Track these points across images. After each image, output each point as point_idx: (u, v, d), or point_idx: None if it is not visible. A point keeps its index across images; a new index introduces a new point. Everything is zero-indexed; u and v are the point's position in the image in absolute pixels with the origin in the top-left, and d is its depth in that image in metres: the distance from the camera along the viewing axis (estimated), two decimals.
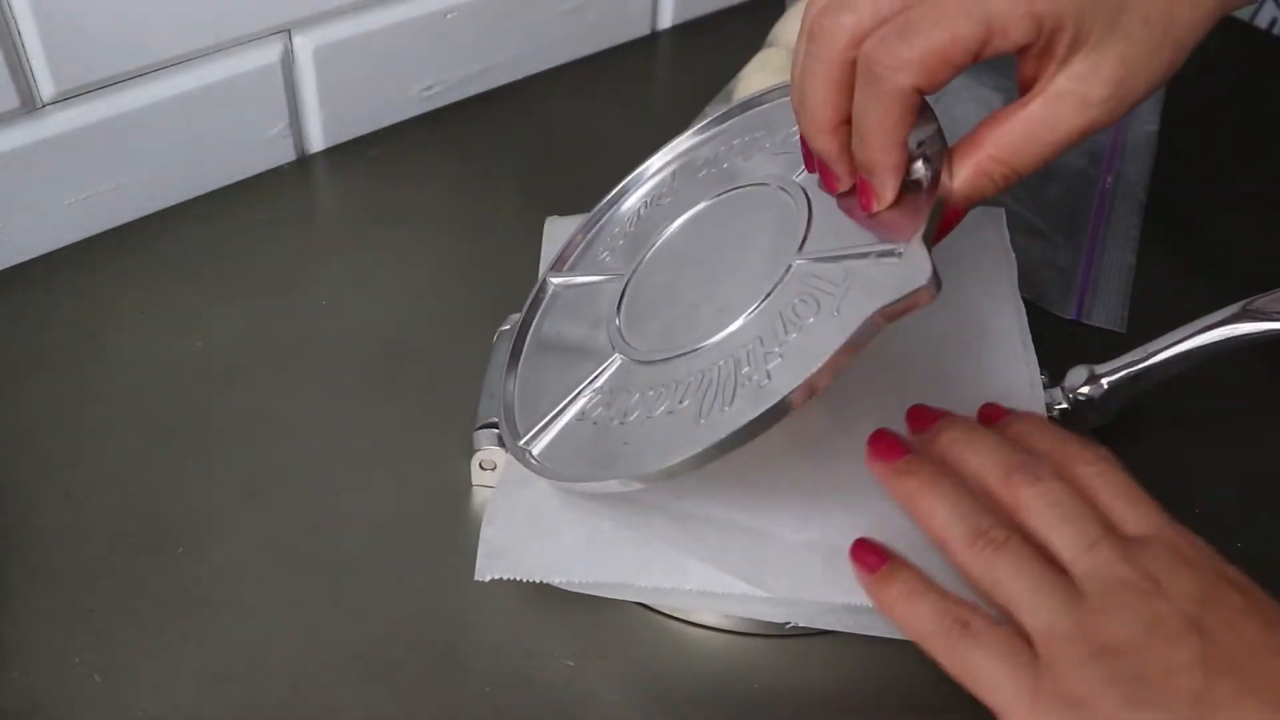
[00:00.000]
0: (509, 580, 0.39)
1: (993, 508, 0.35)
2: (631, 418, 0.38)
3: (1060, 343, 0.50)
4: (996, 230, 0.51)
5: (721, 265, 0.42)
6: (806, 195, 0.41)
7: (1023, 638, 0.33)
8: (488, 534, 0.39)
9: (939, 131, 0.36)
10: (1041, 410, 0.43)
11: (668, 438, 0.37)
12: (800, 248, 0.39)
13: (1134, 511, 0.35)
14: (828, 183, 0.38)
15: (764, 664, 0.38)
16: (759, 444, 0.35)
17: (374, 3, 0.55)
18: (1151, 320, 0.51)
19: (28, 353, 0.47)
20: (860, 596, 0.36)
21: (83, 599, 0.39)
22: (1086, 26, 0.33)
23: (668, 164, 0.48)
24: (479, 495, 0.43)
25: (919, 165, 0.36)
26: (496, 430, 0.42)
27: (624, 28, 0.66)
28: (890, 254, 0.35)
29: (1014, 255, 0.49)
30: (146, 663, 0.37)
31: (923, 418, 0.39)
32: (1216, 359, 0.41)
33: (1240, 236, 0.57)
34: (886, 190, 0.36)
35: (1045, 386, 0.43)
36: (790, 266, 0.38)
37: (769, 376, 0.35)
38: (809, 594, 0.37)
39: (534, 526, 0.39)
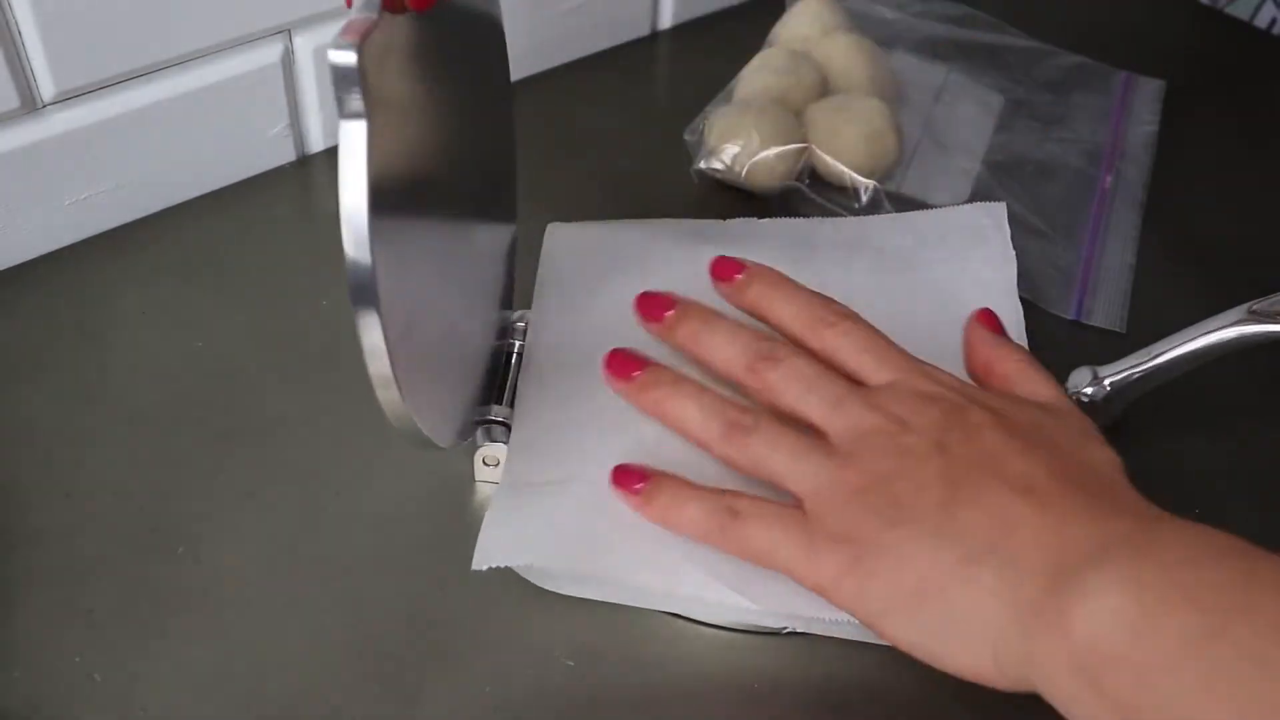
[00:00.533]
0: (509, 579, 0.39)
1: (741, 397, 0.38)
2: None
3: (1060, 343, 0.50)
4: (997, 226, 0.51)
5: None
6: None
7: (793, 505, 0.36)
8: (488, 524, 0.39)
9: None
10: None
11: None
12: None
13: (878, 363, 0.38)
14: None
15: (764, 664, 0.38)
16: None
17: None
18: (1151, 320, 0.51)
19: (28, 353, 0.47)
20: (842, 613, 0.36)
21: (83, 598, 0.39)
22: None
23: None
24: (482, 491, 0.43)
25: None
26: (501, 426, 0.42)
27: (624, 28, 0.66)
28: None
29: (1014, 253, 0.49)
30: (147, 662, 0.37)
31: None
32: (1220, 361, 0.41)
33: (1240, 236, 0.57)
34: None
35: None
36: None
37: None
38: (795, 608, 0.37)
39: (533, 520, 0.39)
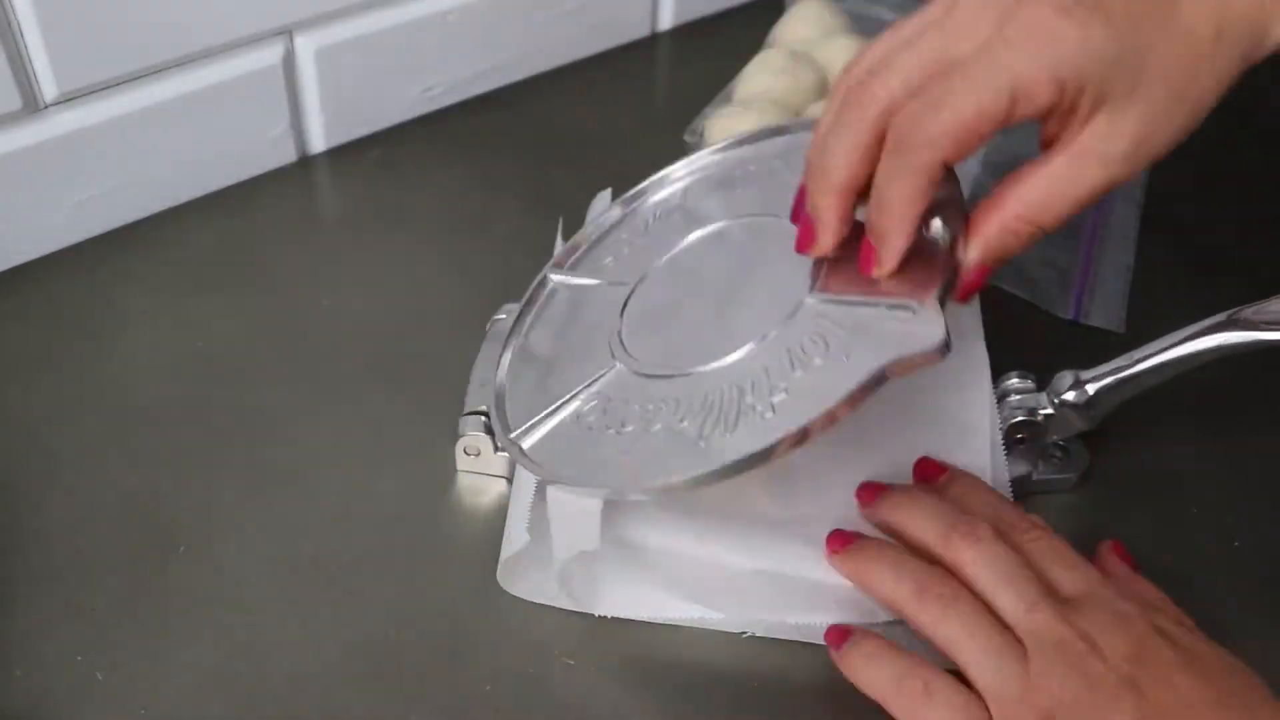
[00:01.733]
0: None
1: (936, 568, 0.37)
2: (628, 429, 0.39)
3: (1058, 343, 0.50)
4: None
5: (732, 290, 0.42)
6: None
7: (977, 697, 0.35)
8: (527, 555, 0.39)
9: (959, 193, 0.37)
10: (998, 439, 0.43)
11: (665, 456, 0.37)
12: (813, 286, 0.39)
13: (1069, 575, 0.37)
14: (804, 241, 0.38)
15: (764, 664, 0.39)
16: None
17: (375, 4, 0.55)
18: (1150, 321, 0.51)
19: (29, 353, 0.47)
20: (804, 615, 0.38)
21: (85, 598, 0.39)
22: (1108, 88, 0.33)
23: (684, 176, 0.48)
24: (464, 480, 0.43)
25: (937, 223, 0.37)
26: (483, 418, 0.42)
27: (624, 28, 0.66)
28: (904, 309, 0.36)
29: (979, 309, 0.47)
30: (148, 661, 0.37)
31: (869, 491, 0.41)
32: (1204, 366, 0.41)
33: (1239, 237, 0.57)
34: (892, 258, 0.36)
35: (1032, 390, 0.43)
36: (802, 303, 0.39)
37: (773, 410, 0.36)
38: (760, 614, 0.39)
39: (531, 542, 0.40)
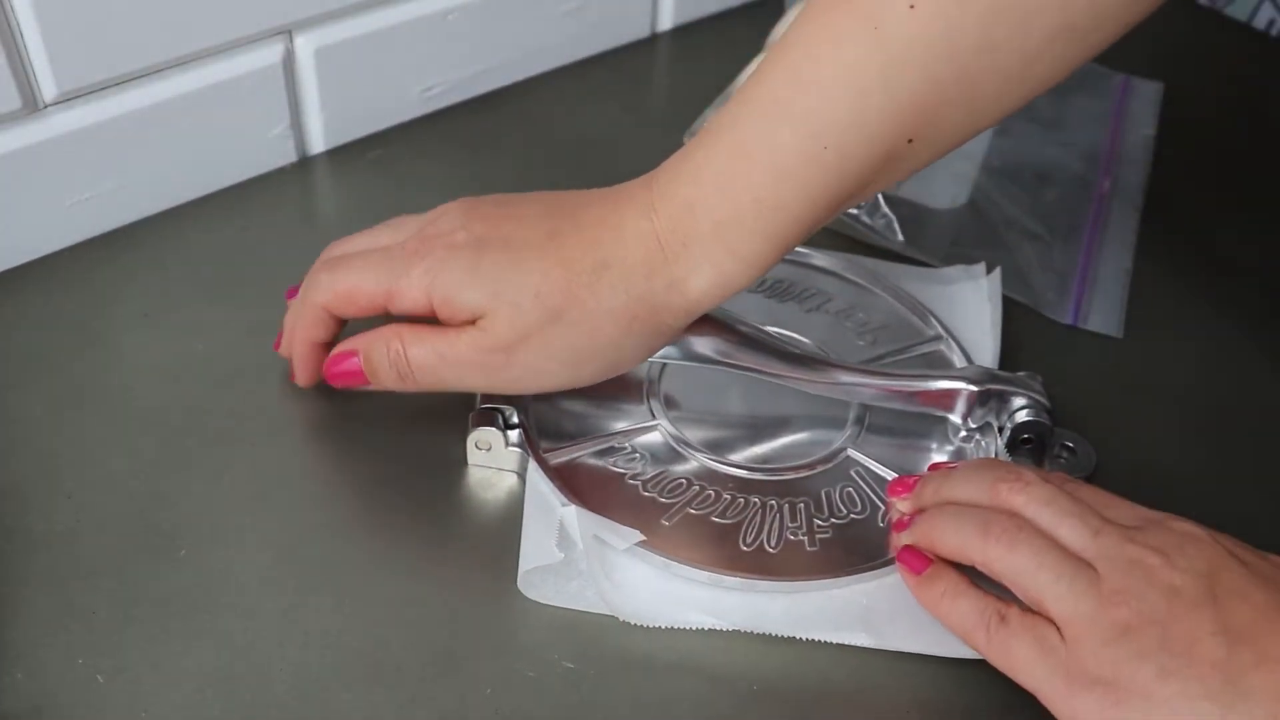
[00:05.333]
0: (508, 580, 0.40)
1: (996, 511, 0.37)
2: (669, 497, 0.42)
3: (1057, 347, 0.50)
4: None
5: (778, 397, 0.46)
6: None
7: (1052, 624, 0.35)
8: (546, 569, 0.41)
9: None
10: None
11: (705, 545, 0.41)
12: (857, 439, 0.45)
13: (1124, 510, 0.37)
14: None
15: (764, 664, 0.39)
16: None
17: (375, 4, 0.55)
18: (1149, 325, 0.51)
19: (29, 353, 0.47)
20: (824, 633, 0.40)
21: (85, 600, 0.39)
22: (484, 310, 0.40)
23: None
24: (474, 474, 0.44)
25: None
26: (496, 412, 0.43)
27: (624, 29, 0.66)
28: None
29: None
30: (149, 664, 0.37)
31: (901, 484, 0.41)
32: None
33: (1239, 240, 0.57)
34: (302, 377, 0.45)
35: (1038, 390, 0.44)
36: (845, 452, 0.44)
37: (817, 544, 0.41)
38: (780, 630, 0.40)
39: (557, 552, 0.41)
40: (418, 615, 0.39)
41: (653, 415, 0.45)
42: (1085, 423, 0.46)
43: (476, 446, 0.43)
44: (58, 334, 0.48)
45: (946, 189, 0.57)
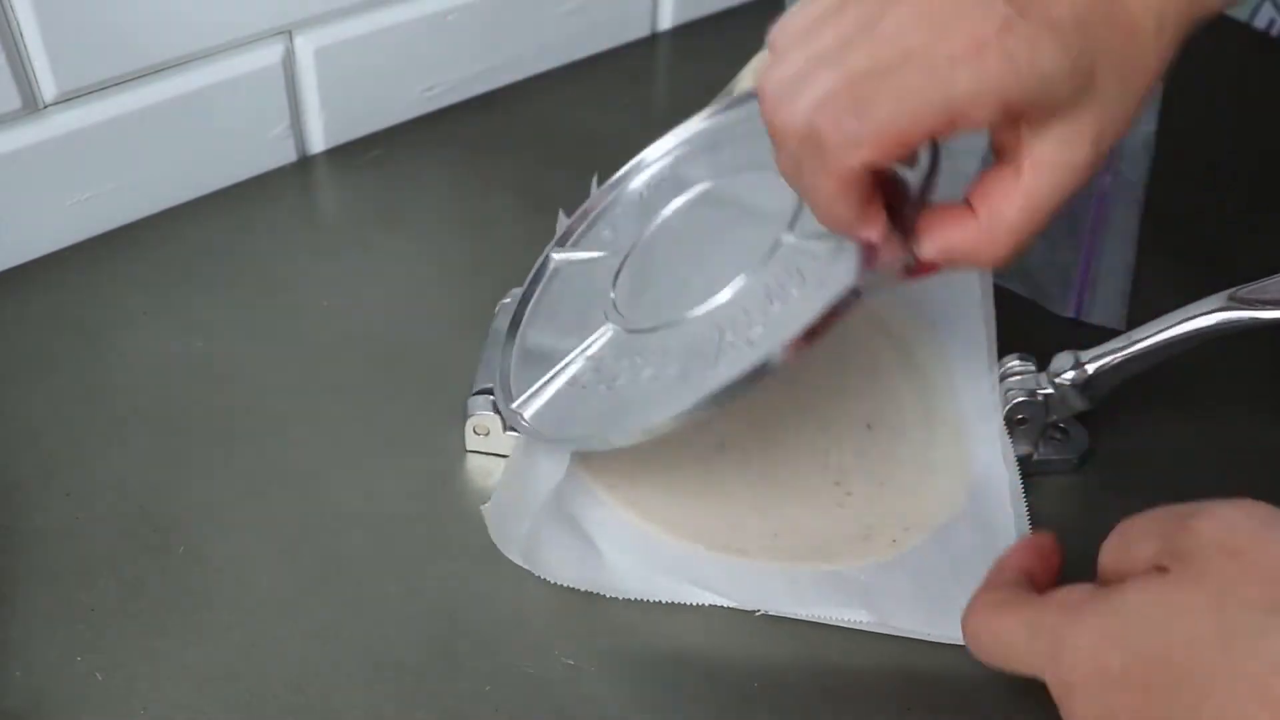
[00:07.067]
0: (509, 579, 0.40)
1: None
2: (619, 383, 0.41)
3: (1059, 341, 0.50)
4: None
5: (715, 241, 0.44)
6: None
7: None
8: (492, 504, 0.40)
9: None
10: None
11: (651, 399, 0.39)
12: (791, 225, 0.40)
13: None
14: (869, 258, 0.36)
15: (764, 662, 0.39)
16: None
17: (375, 3, 0.55)
18: (1150, 319, 0.51)
19: (29, 353, 0.47)
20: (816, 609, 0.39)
21: (84, 598, 0.39)
22: (1059, 101, 0.32)
23: (673, 148, 0.49)
24: (472, 461, 0.44)
25: (924, 156, 0.37)
26: (492, 396, 0.43)
27: (624, 28, 0.66)
28: None
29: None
30: (148, 661, 0.37)
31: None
32: (1200, 346, 0.41)
33: (1239, 237, 0.57)
34: (869, 238, 0.35)
35: (1032, 371, 0.44)
36: (779, 242, 0.40)
37: (750, 343, 0.38)
38: (773, 604, 0.39)
39: (522, 517, 0.40)
40: (417, 612, 0.39)
41: (605, 319, 0.43)
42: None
43: (475, 432, 0.43)
44: (58, 333, 0.48)
45: (949, 186, 0.57)
